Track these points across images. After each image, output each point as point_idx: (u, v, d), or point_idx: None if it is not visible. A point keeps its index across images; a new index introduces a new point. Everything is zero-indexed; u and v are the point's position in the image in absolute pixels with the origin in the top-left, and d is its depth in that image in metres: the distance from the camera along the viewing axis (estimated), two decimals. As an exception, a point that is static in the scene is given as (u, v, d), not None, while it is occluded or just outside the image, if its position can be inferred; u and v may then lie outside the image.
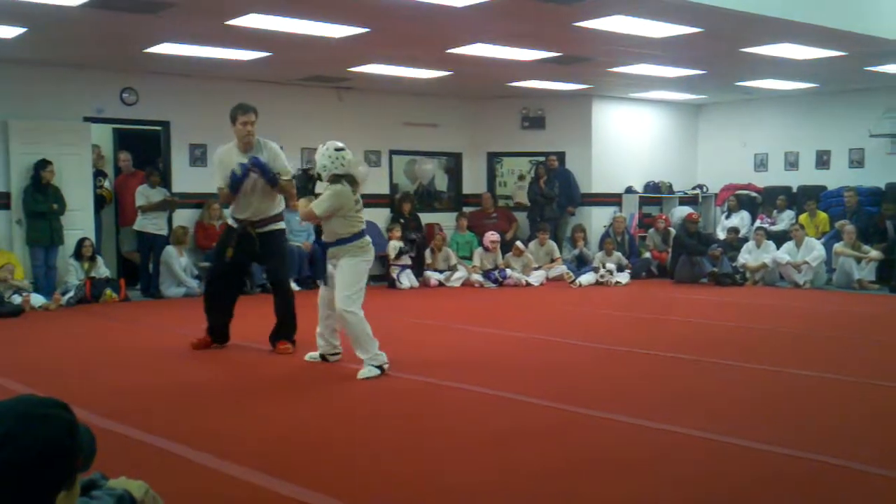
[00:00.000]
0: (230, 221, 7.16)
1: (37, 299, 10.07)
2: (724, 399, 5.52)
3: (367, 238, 6.32)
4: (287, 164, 7.22)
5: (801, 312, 9.98)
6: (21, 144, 10.79)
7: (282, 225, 7.22)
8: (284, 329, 7.13)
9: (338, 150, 6.14)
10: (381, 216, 13.64)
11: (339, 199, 6.09)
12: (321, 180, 6.21)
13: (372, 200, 12.77)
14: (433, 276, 12.92)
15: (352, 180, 6.19)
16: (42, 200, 10.63)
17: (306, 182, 6.31)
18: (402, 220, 13.39)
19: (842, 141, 14.36)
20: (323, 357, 6.61)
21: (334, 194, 6.08)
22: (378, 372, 6.00)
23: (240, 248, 7.00)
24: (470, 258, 13.42)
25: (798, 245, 12.52)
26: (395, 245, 12.73)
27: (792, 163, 15.06)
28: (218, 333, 7.30)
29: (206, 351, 7.23)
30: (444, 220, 14.41)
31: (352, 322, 6.03)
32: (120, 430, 4.63)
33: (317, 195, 6.33)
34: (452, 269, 13.13)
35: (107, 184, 12.08)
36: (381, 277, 12.93)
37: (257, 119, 6.97)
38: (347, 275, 6.11)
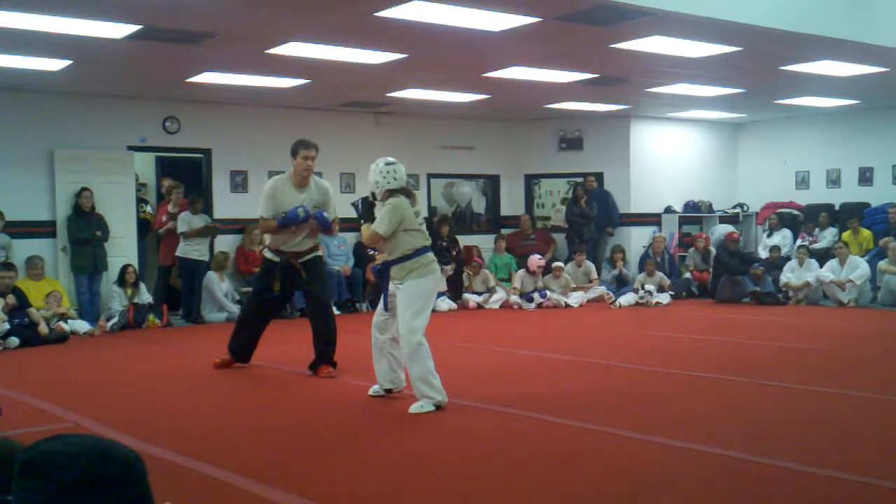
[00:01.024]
0: (269, 255, 7.30)
1: (81, 325, 10.21)
2: (766, 420, 5.44)
3: (432, 255, 6.03)
4: (335, 204, 7.36)
5: (846, 331, 9.83)
6: (66, 173, 11.01)
7: (320, 252, 7.41)
8: (328, 354, 7.16)
9: (388, 164, 5.98)
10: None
11: (398, 211, 5.84)
12: (378, 201, 6.00)
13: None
14: (471, 299, 12.91)
15: (408, 193, 6.01)
16: (85, 227, 10.82)
17: (369, 209, 6.20)
18: (440, 243, 13.39)
19: (885, 157, 14.18)
20: (388, 391, 6.23)
21: (392, 208, 5.84)
22: (433, 409, 5.73)
23: (285, 280, 7.21)
24: (508, 280, 13.40)
25: (842, 263, 12.36)
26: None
27: (834, 180, 14.88)
28: (242, 354, 7.55)
29: (253, 375, 7.33)
30: (483, 243, 14.42)
31: (413, 354, 5.74)
32: (167, 456, 4.67)
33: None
34: (491, 291, 13.12)
35: (149, 208, 12.27)
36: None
37: (318, 155, 7.12)
38: (410, 297, 5.77)
